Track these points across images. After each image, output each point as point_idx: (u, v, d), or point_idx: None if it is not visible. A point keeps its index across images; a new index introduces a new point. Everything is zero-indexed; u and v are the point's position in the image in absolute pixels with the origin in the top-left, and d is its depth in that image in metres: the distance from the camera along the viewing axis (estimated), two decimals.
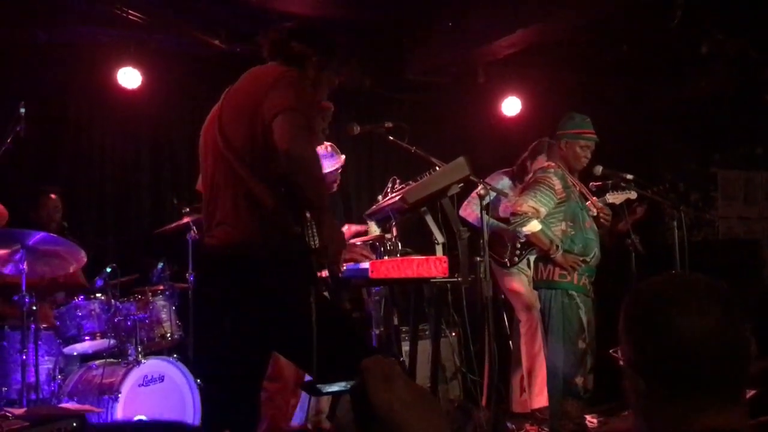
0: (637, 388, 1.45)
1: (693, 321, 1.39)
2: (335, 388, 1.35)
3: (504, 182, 5.85)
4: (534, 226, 4.63)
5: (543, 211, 4.65)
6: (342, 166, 4.83)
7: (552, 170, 4.77)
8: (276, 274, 2.85)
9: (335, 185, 4.80)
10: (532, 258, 5.20)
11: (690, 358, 1.38)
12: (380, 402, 1.20)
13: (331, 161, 4.69)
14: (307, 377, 3.82)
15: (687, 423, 1.39)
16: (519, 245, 5.52)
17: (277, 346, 3.00)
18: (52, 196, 5.73)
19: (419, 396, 1.23)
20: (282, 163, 2.77)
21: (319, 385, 1.36)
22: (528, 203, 4.64)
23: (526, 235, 4.77)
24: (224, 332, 3.03)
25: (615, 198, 5.26)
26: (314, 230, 2.80)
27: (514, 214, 4.70)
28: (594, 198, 5.08)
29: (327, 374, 2.90)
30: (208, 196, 3.04)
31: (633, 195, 5.32)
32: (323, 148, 4.63)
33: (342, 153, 4.87)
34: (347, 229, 4.67)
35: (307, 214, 2.80)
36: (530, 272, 5.34)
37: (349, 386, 1.31)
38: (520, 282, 5.64)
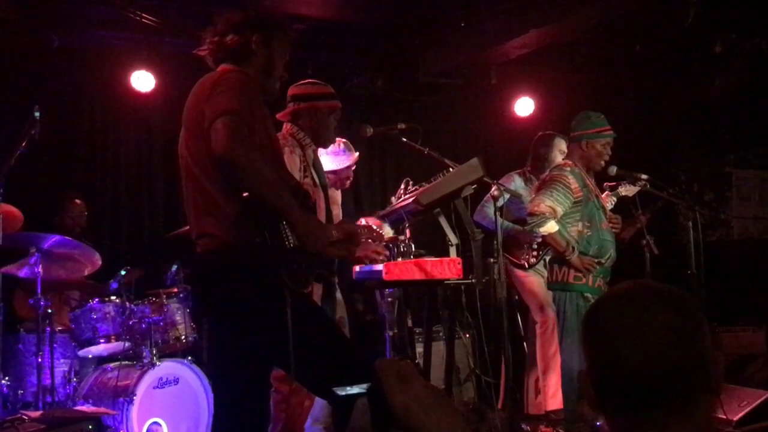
0: (588, 395, 1.43)
1: (633, 334, 1.34)
2: (352, 391, 1.34)
3: (516, 183, 5.84)
4: (551, 226, 4.61)
5: (560, 210, 4.63)
6: (355, 163, 4.83)
7: (568, 168, 4.75)
8: (243, 283, 2.85)
9: (348, 182, 4.80)
10: (548, 259, 5.18)
11: (628, 372, 1.34)
12: (397, 403, 1.20)
13: (344, 157, 4.69)
14: None
15: None
16: (536, 246, 5.50)
17: (260, 354, 3.00)
18: (77, 201, 5.78)
19: (437, 397, 1.23)
20: (225, 171, 2.76)
21: (334, 389, 1.36)
22: (545, 203, 4.61)
23: (543, 236, 4.75)
24: (212, 337, 3.06)
25: (628, 191, 5.23)
26: (287, 231, 2.78)
27: (531, 214, 4.67)
28: (604, 196, 5.06)
29: (308, 378, 2.91)
30: (187, 209, 3.06)
31: (646, 186, 5.29)
32: (336, 145, 4.63)
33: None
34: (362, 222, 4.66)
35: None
36: (546, 273, 5.33)
37: (366, 389, 1.30)
38: (536, 283, 5.62)
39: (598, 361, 1.40)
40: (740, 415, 4.38)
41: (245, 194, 2.75)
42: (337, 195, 4.66)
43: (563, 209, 4.64)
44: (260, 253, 2.75)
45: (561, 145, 5.69)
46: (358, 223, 4.41)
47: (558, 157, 5.65)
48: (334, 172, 4.67)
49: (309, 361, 2.78)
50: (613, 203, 5.23)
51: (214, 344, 3.10)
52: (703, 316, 1.39)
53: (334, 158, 4.66)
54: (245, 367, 2.94)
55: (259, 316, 2.85)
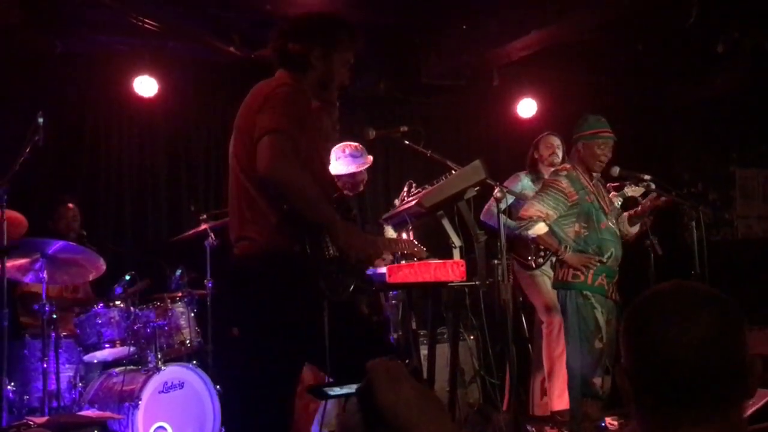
0: (625, 391, 1.45)
1: (677, 332, 1.36)
2: (342, 391, 1.35)
3: (523, 183, 5.87)
4: (540, 228, 4.68)
5: (552, 213, 4.70)
6: (369, 166, 4.86)
7: (564, 173, 4.81)
8: (280, 290, 2.87)
9: (362, 185, 4.82)
10: (554, 260, 5.20)
11: (671, 369, 1.36)
12: (386, 403, 1.21)
13: (360, 160, 4.71)
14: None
15: None
16: (543, 247, 5.51)
17: (292, 360, 3.00)
18: (70, 205, 5.76)
19: (425, 398, 1.23)
20: (269, 189, 2.79)
21: (325, 389, 1.37)
22: (534, 207, 4.71)
23: (533, 239, 4.80)
24: (241, 341, 3.06)
25: (634, 191, 5.23)
26: (328, 241, 2.80)
27: (520, 218, 4.75)
28: (610, 197, 5.07)
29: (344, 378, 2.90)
30: (230, 210, 3.07)
31: (650, 186, 5.29)
32: (354, 148, 4.63)
33: None
34: None
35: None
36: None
37: (356, 389, 1.31)
38: (542, 284, 5.63)
39: (638, 358, 1.42)
40: (746, 414, 4.36)
41: (286, 206, 2.78)
42: None
43: (556, 213, 4.72)
44: (299, 261, 2.78)
45: (548, 141, 5.82)
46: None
47: (545, 152, 5.75)
48: (351, 175, 4.70)
49: (345, 363, 2.79)
50: (620, 204, 5.23)
51: (243, 348, 3.10)
52: (744, 320, 1.41)
53: (352, 161, 4.69)
54: (274, 371, 2.94)
55: (296, 322, 2.86)
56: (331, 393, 1.38)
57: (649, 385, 1.40)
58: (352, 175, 4.69)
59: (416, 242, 4.05)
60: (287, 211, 2.79)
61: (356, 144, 4.66)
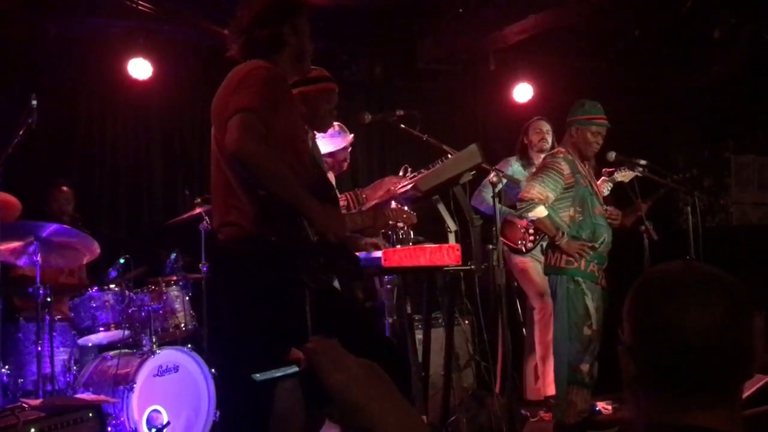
0: (628, 371, 1.43)
1: (689, 315, 1.35)
2: (275, 374, 1.34)
3: (513, 168, 5.87)
4: (540, 211, 4.67)
5: (551, 196, 4.69)
6: (351, 145, 4.81)
7: (561, 155, 4.81)
8: (263, 277, 2.86)
9: (345, 164, 4.79)
10: (544, 245, 5.20)
11: (681, 352, 1.35)
12: (336, 383, 1.19)
13: (339, 139, 4.68)
14: None
15: (672, 416, 1.37)
16: (533, 231, 5.51)
17: (278, 348, 3.01)
18: (64, 188, 5.75)
19: (373, 373, 1.22)
20: (236, 168, 2.78)
21: (255, 375, 1.35)
22: (535, 189, 4.68)
23: (533, 221, 4.80)
24: (229, 325, 3.06)
25: (624, 176, 5.23)
26: (307, 226, 2.77)
27: (521, 200, 4.73)
28: (600, 182, 5.07)
29: None
30: (213, 196, 3.06)
31: (645, 172, 5.29)
32: (331, 128, 4.60)
33: (354, 142, 4.85)
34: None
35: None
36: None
37: (289, 372, 1.29)
38: (534, 270, 5.64)
39: (646, 339, 1.40)
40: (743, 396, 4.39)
41: (260, 190, 2.75)
42: (331, 179, 4.65)
43: (554, 195, 4.70)
44: (280, 249, 2.75)
45: (537, 126, 5.86)
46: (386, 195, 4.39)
47: (534, 138, 5.80)
48: (331, 154, 4.68)
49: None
50: (609, 189, 5.23)
51: (232, 333, 3.09)
52: (750, 303, 1.40)
53: (330, 141, 4.66)
54: (263, 354, 2.94)
55: (282, 307, 2.85)
56: (261, 377, 1.36)
57: (656, 368, 1.38)
58: (331, 155, 4.67)
59: (405, 209, 4.02)
60: (263, 197, 2.75)
61: (335, 123, 4.64)
